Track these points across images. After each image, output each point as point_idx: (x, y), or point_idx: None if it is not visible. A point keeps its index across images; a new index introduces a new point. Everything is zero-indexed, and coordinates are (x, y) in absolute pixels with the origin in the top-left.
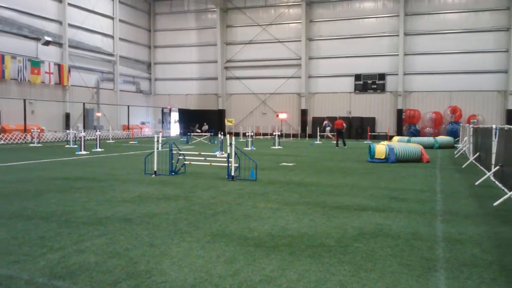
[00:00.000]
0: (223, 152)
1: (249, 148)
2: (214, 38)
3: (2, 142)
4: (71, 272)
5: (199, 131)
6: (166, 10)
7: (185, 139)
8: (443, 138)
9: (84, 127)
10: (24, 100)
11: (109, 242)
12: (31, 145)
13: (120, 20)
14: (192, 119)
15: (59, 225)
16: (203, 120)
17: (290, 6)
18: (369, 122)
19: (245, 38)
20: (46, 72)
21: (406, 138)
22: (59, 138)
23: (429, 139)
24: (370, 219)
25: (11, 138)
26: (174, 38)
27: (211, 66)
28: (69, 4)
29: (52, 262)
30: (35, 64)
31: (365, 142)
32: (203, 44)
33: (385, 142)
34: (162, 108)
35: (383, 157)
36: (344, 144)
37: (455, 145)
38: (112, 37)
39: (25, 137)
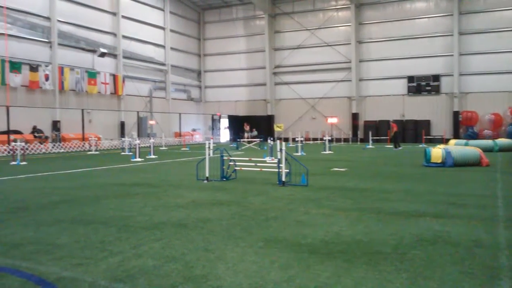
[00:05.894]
0: (273, 158)
1: (299, 154)
2: (262, 44)
3: (63, 150)
4: (131, 275)
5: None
6: (215, 19)
7: (235, 145)
8: (503, 141)
9: (138, 135)
10: (82, 110)
11: (166, 246)
12: (89, 152)
13: (171, 30)
14: (241, 126)
15: (118, 229)
16: (252, 126)
17: (339, 9)
18: (424, 125)
19: (293, 43)
20: (102, 83)
21: (463, 141)
22: (115, 146)
23: (488, 142)
24: (427, 225)
25: (70, 147)
26: (223, 45)
27: (259, 72)
28: (123, 17)
29: (113, 265)
30: (92, 75)
31: (420, 145)
32: (251, 50)
33: (442, 146)
34: (212, 115)
35: (439, 161)
36: (397, 147)
37: None
38: (163, 47)
39: (83, 145)
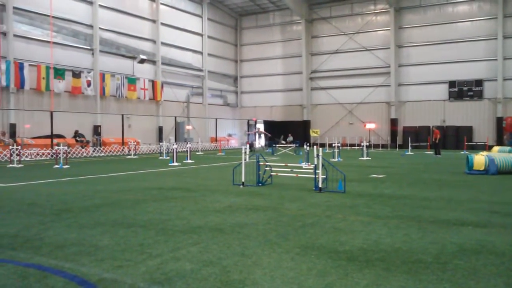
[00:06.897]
0: (309, 163)
1: (336, 159)
2: (299, 50)
3: (103, 154)
4: (169, 278)
5: (284, 142)
6: (252, 25)
7: (271, 151)
8: None
9: (175, 140)
10: (122, 115)
11: (203, 250)
12: (128, 157)
13: (209, 37)
14: (277, 131)
15: (156, 232)
16: (288, 132)
17: (378, 14)
18: (466, 132)
19: (330, 47)
20: (141, 89)
21: (507, 148)
22: (153, 150)
23: None
24: (470, 234)
25: (110, 151)
26: (260, 51)
27: (296, 77)
28: (162, 24)
29: (152, 268)
30: (132, 81)
31: (462, 152)
32: (288, 56)
33: (484, 153)
34: (248, 120)
35: (482, 168)
36: (438, 153)
37: None
38: (201, 53)
39: (123, 150)
